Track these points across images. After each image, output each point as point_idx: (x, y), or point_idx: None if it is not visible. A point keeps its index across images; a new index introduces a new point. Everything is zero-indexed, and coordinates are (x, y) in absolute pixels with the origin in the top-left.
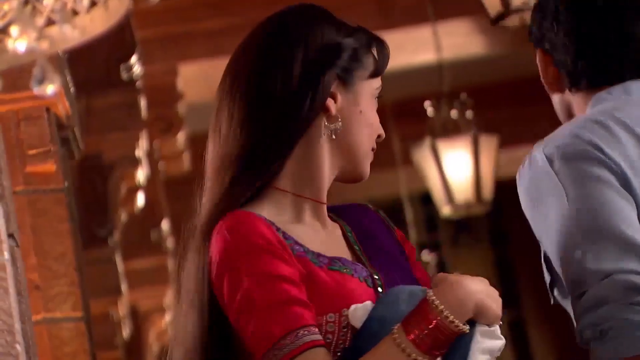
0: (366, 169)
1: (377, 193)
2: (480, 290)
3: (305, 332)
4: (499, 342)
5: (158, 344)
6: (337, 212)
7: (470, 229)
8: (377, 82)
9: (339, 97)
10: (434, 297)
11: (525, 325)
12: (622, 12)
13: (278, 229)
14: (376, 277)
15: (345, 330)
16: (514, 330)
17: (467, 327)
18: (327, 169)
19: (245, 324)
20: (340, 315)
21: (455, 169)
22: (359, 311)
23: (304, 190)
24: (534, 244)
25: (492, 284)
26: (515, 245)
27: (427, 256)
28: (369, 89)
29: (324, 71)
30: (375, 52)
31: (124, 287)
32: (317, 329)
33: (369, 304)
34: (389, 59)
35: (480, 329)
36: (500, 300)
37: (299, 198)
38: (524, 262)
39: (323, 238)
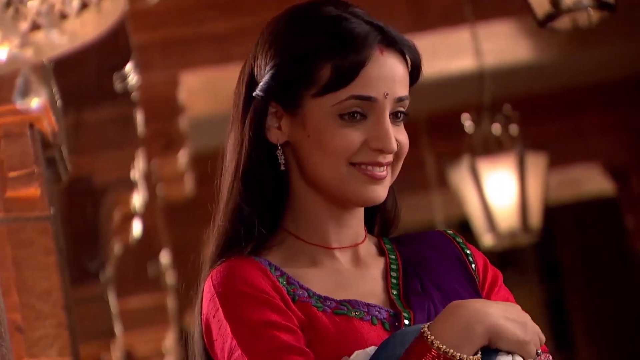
0: (360, 192)
1: (408, 219)
2: (492, 313)
3: None
4: None
5: None
6: (403, 242)
7: (516, 262)
8: (340, 95)
9: (284, 123)
10: (427, 331)
11: None
12: None
13: (283, 274)
14: (406, 315)
15: None
16: None
17: (475, 357)
18: (317, 205)
19: None
20: None
21: (498, 192)
22: (358, 358)
23: (309, 234)
24: (589, 279)
25: (541, 324)
26: (568, 281)
27: None
28: (321, 107)
29: (254, 96)
30: (340, 57)
31: (117, 328)
32: None
33: (371, 349)
34: (361, 54)
35: None
36: (526, 323)
37: (307, 243)
38: (578, 300)
39: (344, 279)
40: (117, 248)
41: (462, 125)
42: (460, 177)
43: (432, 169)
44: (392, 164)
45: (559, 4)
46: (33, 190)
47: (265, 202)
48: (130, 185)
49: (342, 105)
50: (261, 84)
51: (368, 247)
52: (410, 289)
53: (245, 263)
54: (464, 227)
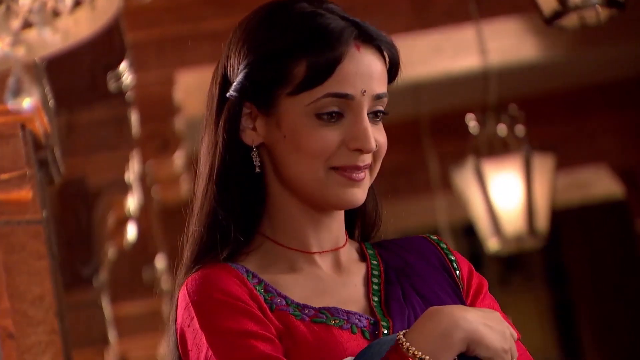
0: (338, 195)
1: (411, 223)
2: (471, 319)
3: None
4: None
5: None
6: (385, 247)
7: (522, 267)
8: (316, 93)
9: (258, 123)
10: (403, 338)
11: None
12: None
13: (260, 282)
14: (384, 324)
15: None
16: None
17: None
18: (295, 208)
19: None
20: None
21: (504, 194)
22: None
23: (288, 238)
24: (597, 284)
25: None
26: (575, 285)
27: None
28: (297, 106)
29: (228, 96)
30: (314, 54)
31: (111, 335)
32: None
33: (349, 359)
34: (336, 50)
35: None
36: (505, 331)
37: (286, 249)
38: (586, 305)
39: (324, 285)
40: (111, 252)
41: (466, 126)
42: (465, 179)
43: (435, 171)
44: (371, 165)
45: (566, 1)
46: (25, 193)
47: (241, 206)
48: (125, 188)
49: (318, 104)
50: (235, 84)
51: (349, 252)
52: (391, 296)
53: (221, 271)
54: (469, 231)
